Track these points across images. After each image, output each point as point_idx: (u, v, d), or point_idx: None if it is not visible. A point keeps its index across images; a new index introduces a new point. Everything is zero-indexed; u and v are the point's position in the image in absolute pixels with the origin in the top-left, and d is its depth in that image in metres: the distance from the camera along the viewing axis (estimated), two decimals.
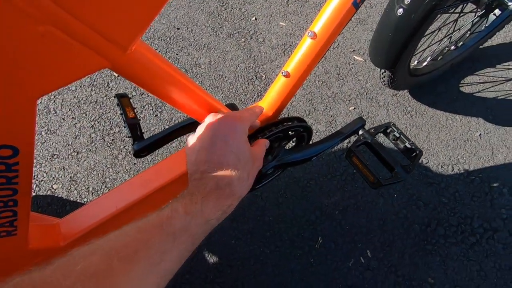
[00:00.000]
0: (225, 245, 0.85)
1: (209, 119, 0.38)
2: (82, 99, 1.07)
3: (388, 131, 0.61)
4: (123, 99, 0.63)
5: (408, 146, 0.59)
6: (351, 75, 1.13)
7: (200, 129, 0.38)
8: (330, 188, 0.92)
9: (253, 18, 1.27)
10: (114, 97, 0.61)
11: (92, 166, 0.96)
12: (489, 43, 1.14)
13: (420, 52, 0.94)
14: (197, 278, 0.81)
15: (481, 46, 1.10)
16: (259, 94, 1.10)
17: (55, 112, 1.04)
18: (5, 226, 0.39)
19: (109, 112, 1.05)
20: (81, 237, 0.51)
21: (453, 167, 0.95)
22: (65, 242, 0.49)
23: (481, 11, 0.91)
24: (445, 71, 1.06)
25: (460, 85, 1.10)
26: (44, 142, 0.99)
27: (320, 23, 0.47)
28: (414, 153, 0.59)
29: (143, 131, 0.64)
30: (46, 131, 1.01)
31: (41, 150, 0.98)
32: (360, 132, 0.61)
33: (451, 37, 0.95)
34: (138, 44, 0.33)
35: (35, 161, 0.99)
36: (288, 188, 0.92)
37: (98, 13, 0.25)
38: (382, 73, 0.89)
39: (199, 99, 0.45)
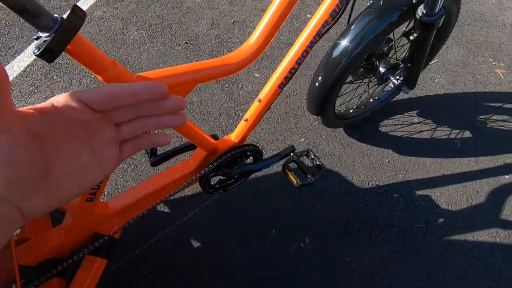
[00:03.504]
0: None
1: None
2: None
3: (308, 154, 1.01)
4: None
5: (319, 163, 0.99)
6: (304, 116, 1.56)
7: None
8: (283, 196, 1.30)
9: None
10: None
11: (119, 175, 1.31)
12: (399, 97, 1.61)
13: (346, 102, 1.37)
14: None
15: (392, 100, 1.56)
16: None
17: None
18: (91, 194, 0.74)
19: None
20: (120, 210, 0.86)
21: (368, 183, 1.36)
22: (112, 212, 0.84)
23: (380, 81, 1.36)
24: (368, 116, 1.50)
25: (379, 126, 1.54)
26: None
27: (264, 91, 0.88)
28: (322, 168, 0.98)
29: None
30: None
31: None
32: (291, 154, 1.00)
33: (367, 92, 1.40)
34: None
35: None
36: (254, 197, 1.29)
37: None
38: (317, 118, 1.31)
39: (190, 130, 0.83)
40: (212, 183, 1.00)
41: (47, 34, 0.44)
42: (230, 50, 1.84)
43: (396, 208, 1.30)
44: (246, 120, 0.92)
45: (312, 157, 1.00)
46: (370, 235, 1.23)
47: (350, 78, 1.19)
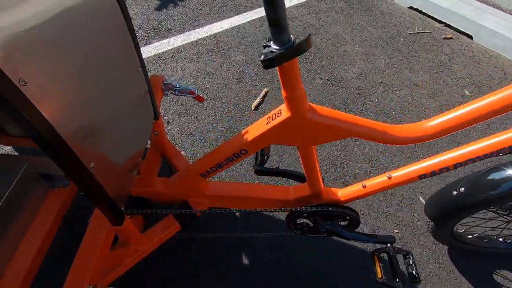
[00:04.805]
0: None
1: None
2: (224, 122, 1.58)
3: (406, 256, 0.89)
4: (267, 148, 1.05)
5: (414, 273, 0.86)
6: (410, 208, 1.39)
7: None
8: (360, 278, 1.18)
9: None
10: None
11: None
12: None
13: (470, 225, 1.17)
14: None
15: None
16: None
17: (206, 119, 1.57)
18: (207, 171, 0.81)
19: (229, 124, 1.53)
20: (213, 195, 0.92)
21: None
22: (209, 193, 0.91)
23: None
24: (487, 253, 1.24)
25: (494, 271, 1.26)
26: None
27: (399, 172, 0.82)
28: (416, 280, 0.85)
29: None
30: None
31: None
32: (388, 244, 0.90)
33: (502, 229, 1.16)
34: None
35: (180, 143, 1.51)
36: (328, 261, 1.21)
37: None
38: (429, 221, 1.15)
39: (312, 163, 0.82)
40: (297, 221, 0.98)
41: (278, 48, 0.49)
42: (364, 105, 1.80)
43: None
44: (364, 187, 0.87)
45: (410, 262, 0.87)
46: None
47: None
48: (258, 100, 1.71)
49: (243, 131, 0.71)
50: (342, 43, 2.18)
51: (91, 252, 0.66)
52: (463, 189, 0.92)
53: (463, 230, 1.20)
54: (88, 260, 0.65)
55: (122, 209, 0.70)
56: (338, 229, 0.91)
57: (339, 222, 0.93)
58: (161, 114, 1.60)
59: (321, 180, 0.87)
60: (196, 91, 1.08)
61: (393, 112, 1.80)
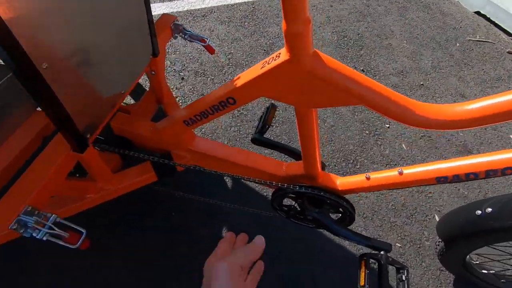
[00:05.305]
0: None
1: (207, 262, 0.40)
2: None
3: (400, 270, 0.75)
4: (273, 108, 0.94)
5: None
6: (420, 223, 1.23)
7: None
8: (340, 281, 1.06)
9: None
10: (268, 107, 0.91)
11: (222, 126, 1.34)
12: None
13: (489, 257, 0.99)
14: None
15: None
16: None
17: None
18: (191, 120, 0.71)
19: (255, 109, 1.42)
20: (198, 152, 0.83)
21: None
22: (189, 147, 0.82)
23: None
24: None
25: None
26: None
27: (413, 170, 0.67)
28: None
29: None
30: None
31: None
32: (382, 252, 0.76)
33: None
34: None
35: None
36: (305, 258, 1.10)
37: None
38: (438, 242, 0.99)
39: (311, 141, 0.69)
40: (284, 201, 0.87)
41: None
42: None
43: None
44: (368, 178, 0.74)
45: (403, 278, 0.73)
46: None
47: None
48: None
49: (236, 77, 0.60)
50: (388, 35, 1.97)
51: (41, 173, 0.59)
52: (490, 209, 0.75)
53: (478, 262, 1.02)
54: (35, 181, 0.59)
55: (88, 136, 0.63)
56: (328, 220, 0.79)
57: (331, 214, 0.81)
58: (172, 65, 1.53)
59: (319, 161, 0.75)
60: (208, 40, 0.98)
61: None
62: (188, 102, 1.42)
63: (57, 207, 0.71)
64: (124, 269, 0.99)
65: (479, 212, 0.77)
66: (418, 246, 1.18)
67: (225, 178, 1.21)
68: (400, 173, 0.69)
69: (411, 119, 0.53)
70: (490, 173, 0.58)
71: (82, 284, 0.96)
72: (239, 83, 0.57)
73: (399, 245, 1.17)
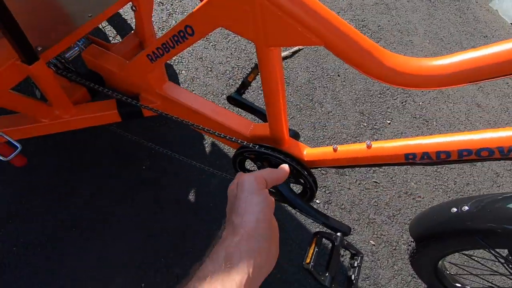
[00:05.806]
0: None
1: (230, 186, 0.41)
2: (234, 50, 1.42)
3: (354, 257, 0.69)
4: (256, 69, 0.88)
5: (352, 278, 0.65)
6: (401, 227, 1.14)
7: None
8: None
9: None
10: (253, 67, 0.84)
11: (213, 92, 1.29)
12: None
13: (466, 270, 0.90)
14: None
15: None
16: None
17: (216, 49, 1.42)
18: (154, 53, 0.66)
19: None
20: (166, 97, 0.78)
21: None
22: (161, 91, 0.77)
23: None
24: None
25: None
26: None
27: (383, 145, 0.60)
28: (350, 284, 0.65)
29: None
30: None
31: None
32: (339, 234, 0.70)
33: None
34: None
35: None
36: None
37: None
38: (410, 242, 0.90)
39: (276, 103, 0.64)
40: (245, 163, 0.82)
41: None
42: (404, 103, 1.51)
43: None
44: (335, 150, 0.67)
45: (355, 264, 0.67)
46: None
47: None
48: (287, 53, 1.52)
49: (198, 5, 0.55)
50: (411, 32, 1.85)
51: None
52: (466, 208, 0.67)
53: (451, 272, 0.94)
54: None
55: (39, 49, 0.59)
56: (287, 191, 0.73)
57: (291, 183, 0.75)
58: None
59: (285, 124, 0.69)
60: None
61: (435, 123, 1.48)
62: (184, 64, 1.38)
63: (6, 125, 0.68)
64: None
65: (454, 209, 0.69)
66: (394, 248, 1.10)
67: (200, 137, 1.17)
68: (369, 146, 0.62)
69: (376, 70, 0.46)
70: (463, 153, 0.50)
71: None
72: (195, 9, 0.52)
73: (373, 243, 1.09)
